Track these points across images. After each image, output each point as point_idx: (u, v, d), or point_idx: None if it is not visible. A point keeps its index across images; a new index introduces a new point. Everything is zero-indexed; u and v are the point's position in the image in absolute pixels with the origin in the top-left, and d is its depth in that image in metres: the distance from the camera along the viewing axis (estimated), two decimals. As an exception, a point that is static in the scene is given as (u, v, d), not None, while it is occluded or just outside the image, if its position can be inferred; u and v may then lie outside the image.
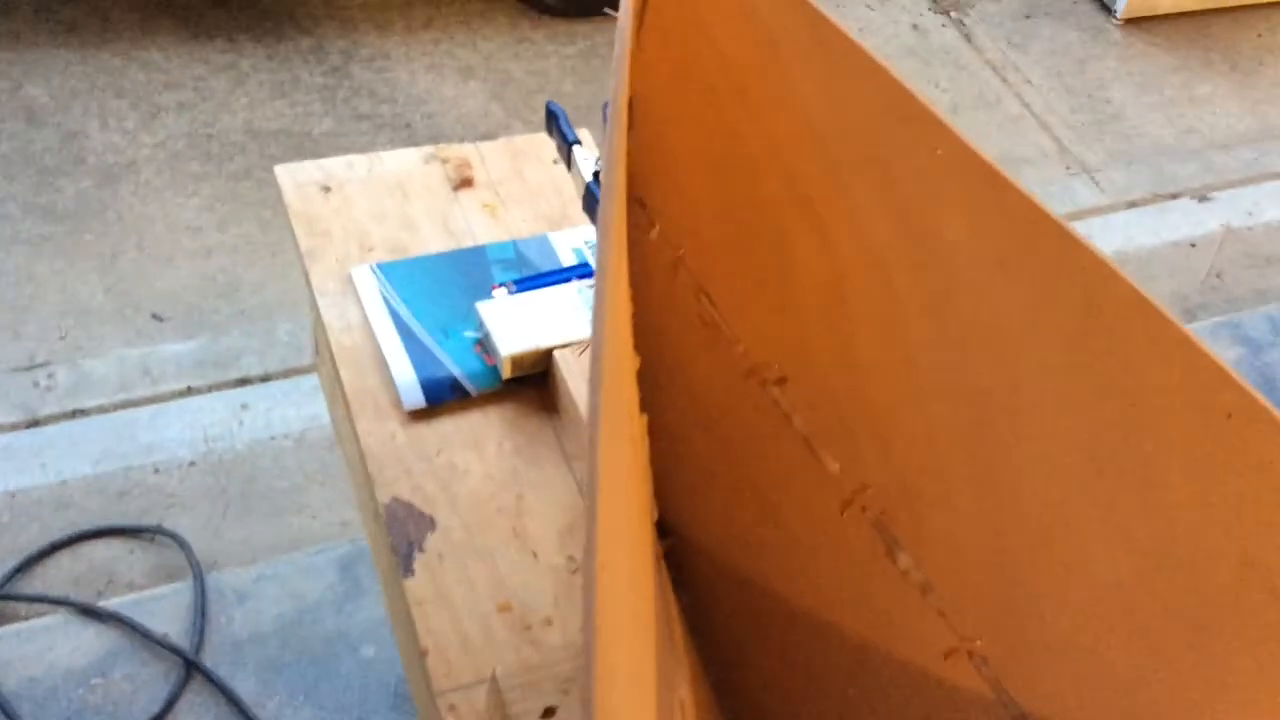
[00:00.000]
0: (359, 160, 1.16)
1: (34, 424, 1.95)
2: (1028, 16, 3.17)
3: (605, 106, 0.66)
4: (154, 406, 2.03)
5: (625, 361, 0.63)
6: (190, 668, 1.66)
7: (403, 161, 1.17)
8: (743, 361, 0.76)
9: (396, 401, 0.99)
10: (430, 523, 0.93)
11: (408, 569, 0.90)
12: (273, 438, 2.02)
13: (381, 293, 1.05)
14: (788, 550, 0.76)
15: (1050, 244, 0.60)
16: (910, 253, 0.65)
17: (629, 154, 0.79)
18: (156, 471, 1.94)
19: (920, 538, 0.68)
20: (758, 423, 0.76)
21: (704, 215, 0.77)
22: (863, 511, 0.71)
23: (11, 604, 1.71)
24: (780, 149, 0.70)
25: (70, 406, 1.99)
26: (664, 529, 0.85)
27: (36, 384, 1.99)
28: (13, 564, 1.74)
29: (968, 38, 3.11)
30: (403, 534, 0.92)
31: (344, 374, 1.00)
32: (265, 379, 2.10)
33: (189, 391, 2.07)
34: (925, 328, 0.66)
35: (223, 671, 1.67)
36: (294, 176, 1.13)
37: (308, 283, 1.07)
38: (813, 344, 0.72)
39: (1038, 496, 0.63)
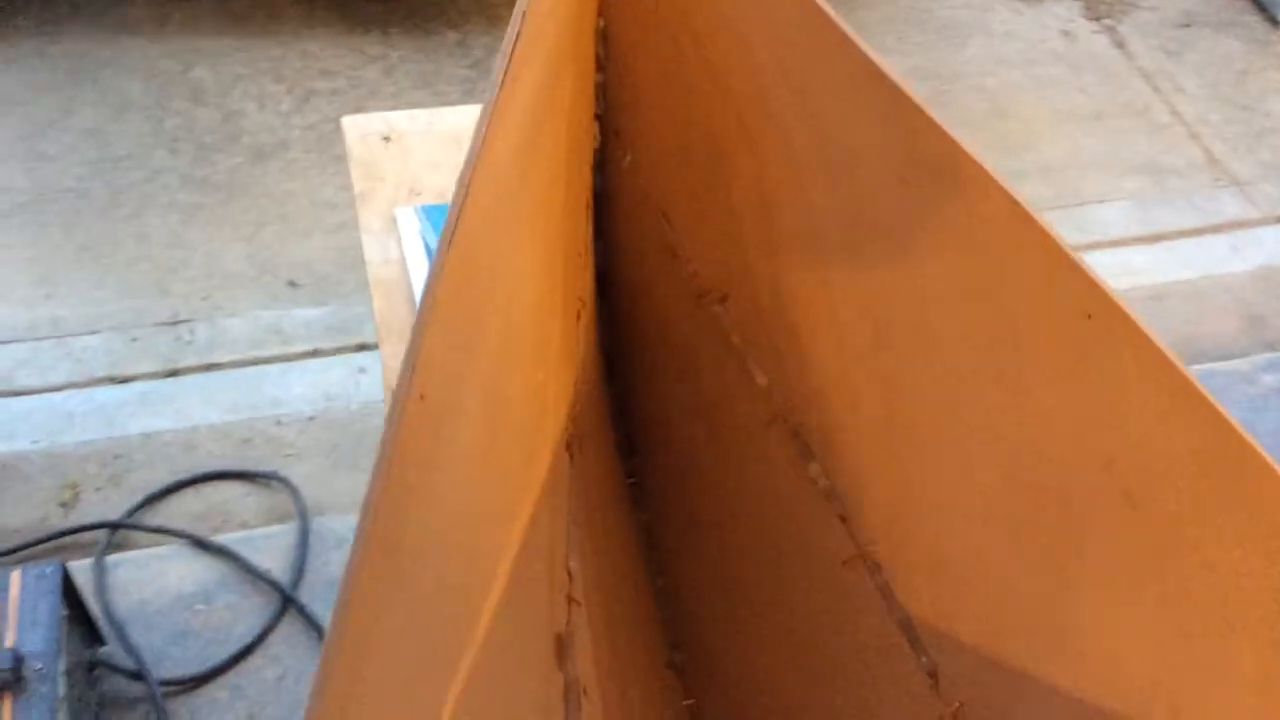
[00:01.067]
0: (421, 114, 1.24)
1: (173, 374, 2.12)
2: (1186, 25, 3.06)
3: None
4: (282, 365, 2.18)
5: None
6: (287, 602, 1.78)
7: (463, 117, 1.25)
8: (693, 283, 0.80)
9: (420, 330, 1.06)
10: (434, 439, 0.99)
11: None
12: (384, 400, 2.13)
13: (421, 233, 1.13)
14: (724, 464, 0.79)
15: (929, 144, 0.61)
16: (824, 167, 0.68)
17: (606, 86, 0.84)
18: (278, 423, 2.08)
19: (829, 446, 0.70)
20: (704, 342, 0.79)
21: (664, 142, 0.81)
22: (785, 423, 0.73)
23: (134, 534, 1.87)
24: (721, 75, 0.74)
25: (207, 360, 2.15)
26: (631, 449, 0.89)
27: (178, 338, 2.16)
28: (140, 498, 1.90)
29: (1120, 45, 3.01)
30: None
31: (376, 303, 1.08)
32: (384, 346, 2.22)
33: (315, 353, 2.21)
34: (836, 235, 0.68)
35: (316, 608, 1.78)
36: (359, 127, 1.22)
37: (357, 221, 1.15)
38: (748, 262, 0.75)
39: (927, 402, 0.65)
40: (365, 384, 2.16)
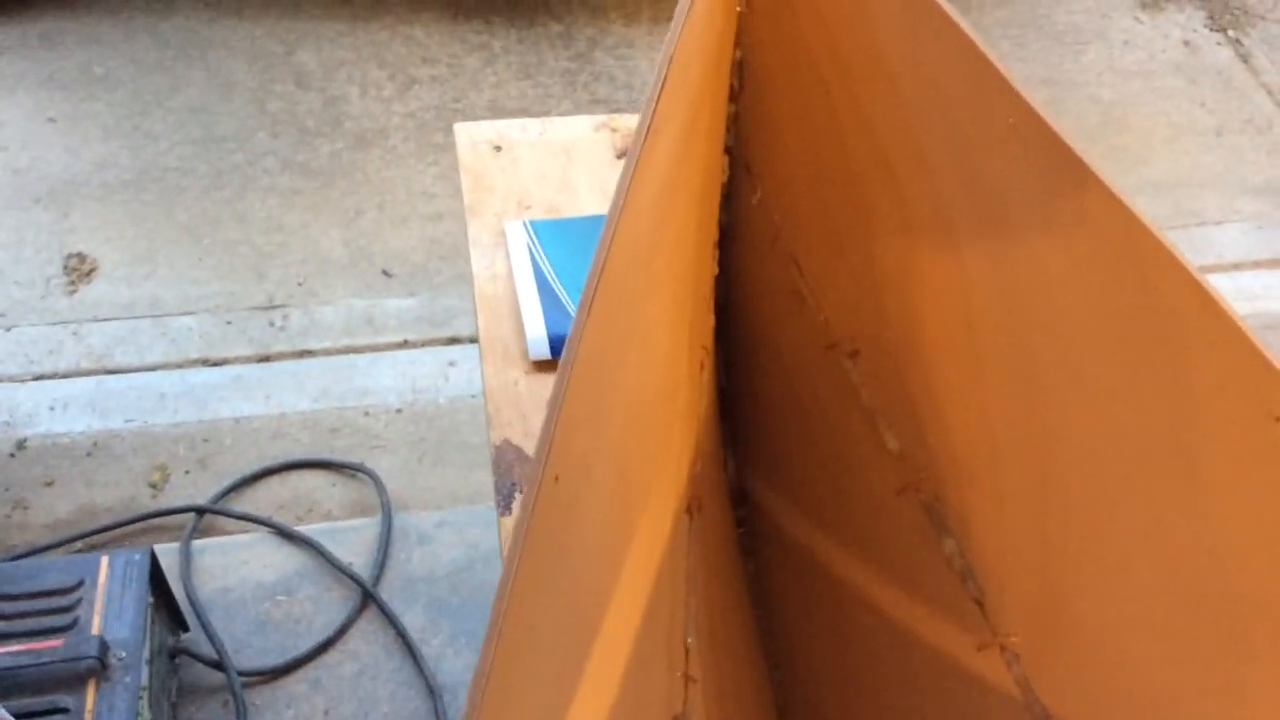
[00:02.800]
0: (533, 124, 1.21)
1: (265, 359, 2.13)
2: (1319, 37, 2.92)
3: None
4: (372, 354, 2.18)
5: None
6: (367, 597, 1.77)
7: (574, 128, 1.22)
8: (824, 333, 0.75)
9: (524, 351, 1.03)
10: (535, 467, 0.96)
11: (506, 508, 0.94)
12: (473, 395, 2.12)
13: (529, 247, 1.10)
14: (847, 525, 0.74)
15: (1112, 222, 0.57)
16: (978, 224, 0.63)
17: (739, 119, 0.79)
18: (366, 414, 2.08)
19: (967, 524, 0.66)
20: (831, 395, 0.75)
21: (798, 183, 0.77)
22: (916, 494, 0.69)
23: (220, 519, 1.87)
24: (867, 116, 0.69)
25: (299, 347, 2.16)
26: (741, 496, 0.85)
27: (272, 323, 2.17)
28: (227, 483, 1.91)
29: (1244, 58, 2.88)
30: (507, 475, 0.96)
31: (481, 319, 1.05)
32: (474, 340, 2.20)
33: (405, 344, 2.20)
34: (989, 302, 0.63)
35: (396, 605, 1.78)
36: (470, 134, 1.20)
37: (466, 233, 1.12)
38: (885, 317, 0.71)
39: (1084, 488, 0.60)
40: (454, 377, 2.15)
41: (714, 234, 0.78)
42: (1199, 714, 0.56)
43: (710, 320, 0.76)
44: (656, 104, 0.57)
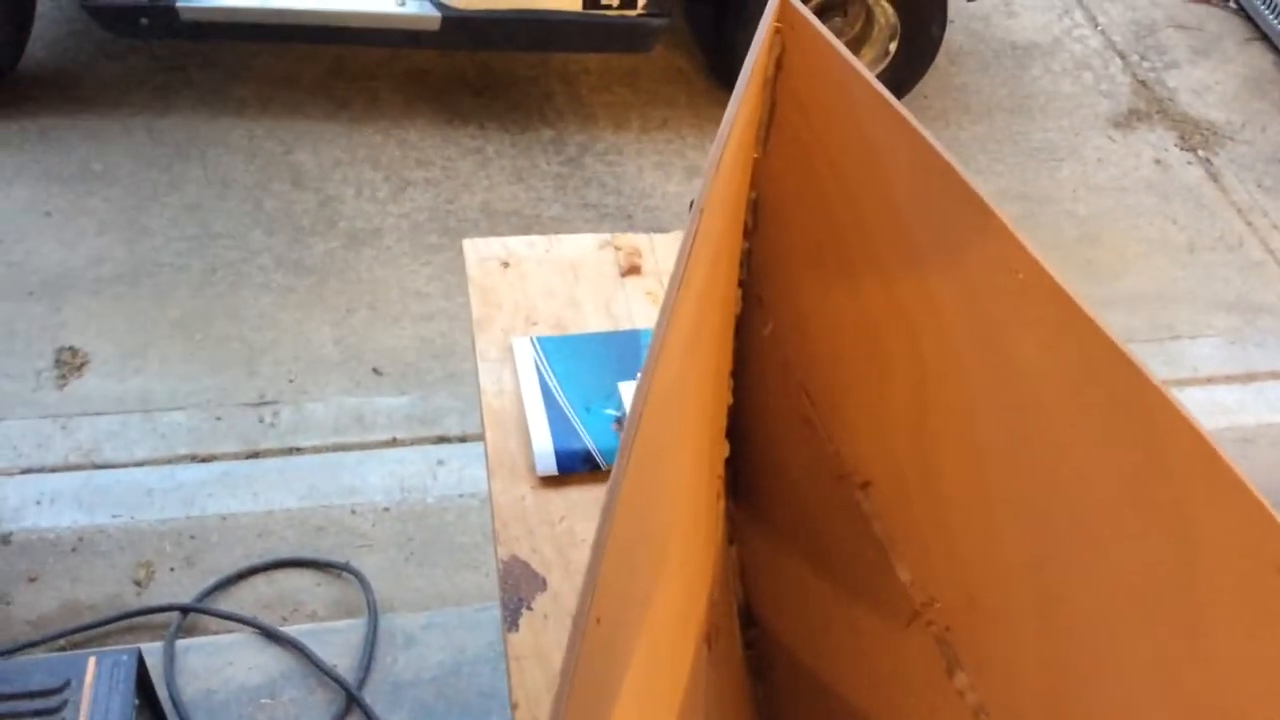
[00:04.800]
0: (539, 241, 1.25)
1: (253, 455, 2.13)
2: (1283, 160, 3.03)
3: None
4: (361, 452, 2.19)
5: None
6: (351, 701, 1.76)
7: (579, 245, 1.25)
8: (834, 463, 0.78)
9: (532, 466, 1.05)
10: (542, 584, 0.98)
11: (513, 624, 0.95)
12: (461, 495, 2.13)
13: (536, 363, 1.13)
14: (857, 655, 0.76)
15: (1119, 376, 0.60)
16: (989, 368, 0.66)
17: (752, 254, 0.83)
18: (353, 513, 2.08)
19: (979, 659, 0.68)
20: (842, 525, 0.77)
21: (810, 316, 0.80)
22: (928, 626, 0.71)
23: (205, 618, 1.86)
24: (880, 258, 0.73)
25: (288, 444, 2.16)
26: (750, 618, 0.86)
27: (262, 420, 2.18)
28: (212, 581, 1.90)
29: (1214, 177, 2.98)
30: (514, 590, 0.97)
31: (489, 434, 1.07)
32: (463, 439, 2.22)
33: (394, 442, 2.22)
34: (1000, 443, 0.66)
35: (380, 709, 1.76)
36: (478, 251, 1.23)
37: (473, 348, 1.15)
38: (896, 451, 0.73)
39: (1092, 631, 0.62)
40: (443, 476, 2.16)
41: (729, 365, 0.81)
42: None
43: (725, 449, 0.79)
44: (690, 254, 0.60)
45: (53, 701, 1.42)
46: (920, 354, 0.71)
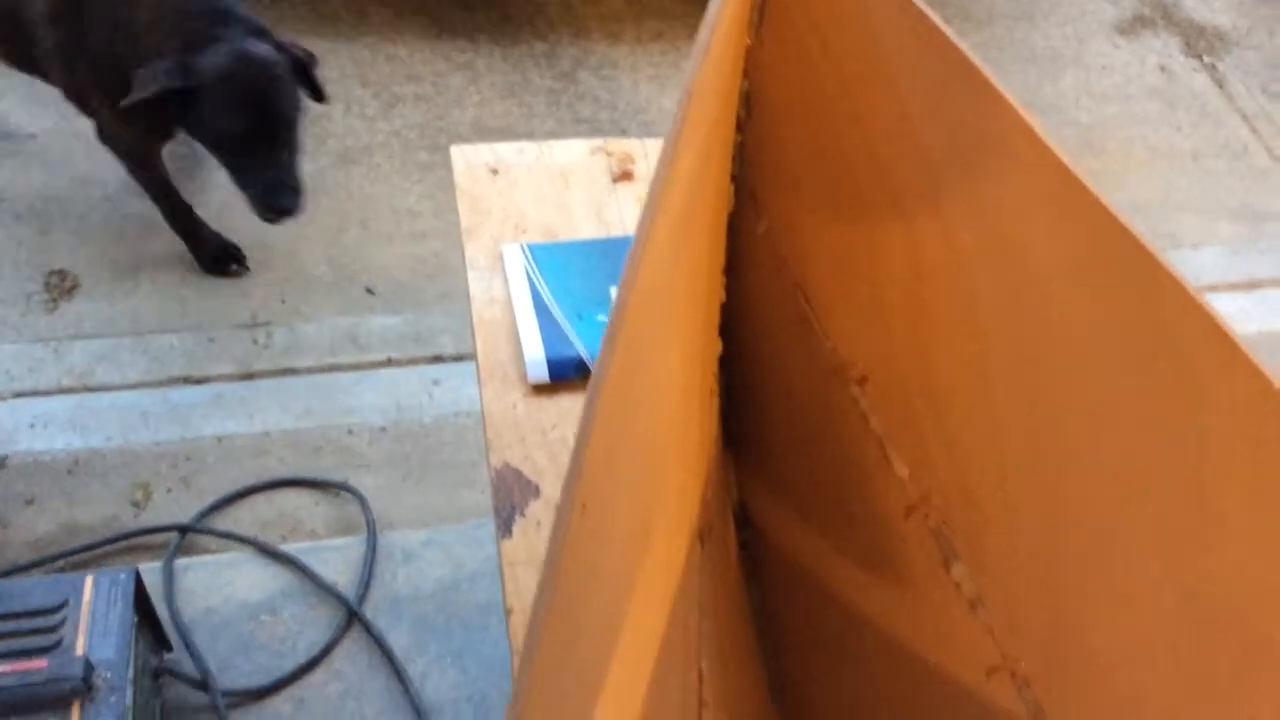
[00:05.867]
0: (529, 147, 1.22)
1: (248, 377, 2.12)
2: (1291, 64, 2.97)
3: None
4: (356, 373, 2.17)
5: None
6: (352, 617, 1.76)
7: (570, 152, 1.22)
8: (830, 359, 0.76)
9: (523, 374, 1.04)
10: (535, 491, 0.96)
11: (506, 531, 0.94)
12: (457, 414, 2.12)
13: (526, 271, 1.10)
14: (853, 553, 0.75)
15: (1127, 258, 0.58)
16: (990, 254, 0.64)
17: (745, 147, 0.80)
18: (350, 433, 2.07)
19: (977, 550, 0.67)
20: (838, 422, 0.76)
21: (805, 211, 0.77)
22: (925, 519, 0.69)
23: (203, 538, 1.86)
24: (876, 146, 0.70)
25: (282, 365, 2.15)
26: (745, 521, 0.85)
27: (255, 341, 2.16)
28: (210, 502, 1.90)
29: (1219, 84, 2.93)
30: (507, 498, 0.96)
31: (479, 343, 1.06)
32: (458, 358, 2.21)
33: (389, 362, 2.20)
34: (1001, 331, 0.64)
35: (381, 624, 1.77)
36: (466, 158, 1.20)
37: (463, 257, 1.13)
38: (893, 343, 0.71)
39: (1095, 517, 0.61)
40: (439, 396, 2.14)
41: (722, 261, 0.79)
42: (1209, 741, 0.57)
43: (718, 347, 0.77)
44: (677, 140, 0.58)
45: (51, 620, 1.42)
46: (918, 242, 0.69)
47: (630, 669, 0.54)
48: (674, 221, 0.60)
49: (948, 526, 0.68)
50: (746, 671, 0.74)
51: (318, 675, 1.71)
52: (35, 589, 1.46)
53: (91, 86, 1.92)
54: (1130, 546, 0.59)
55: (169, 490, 1.93)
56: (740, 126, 0.79)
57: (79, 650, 1.40)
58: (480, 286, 1.10)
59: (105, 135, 2.03)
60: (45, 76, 2.00)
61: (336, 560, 1.85)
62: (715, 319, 0.76)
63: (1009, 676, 0.64)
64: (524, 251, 1.12)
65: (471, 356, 2.21)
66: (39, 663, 1.38)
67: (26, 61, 1.99)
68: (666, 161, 0.56)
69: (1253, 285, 2.52)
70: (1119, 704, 0.59)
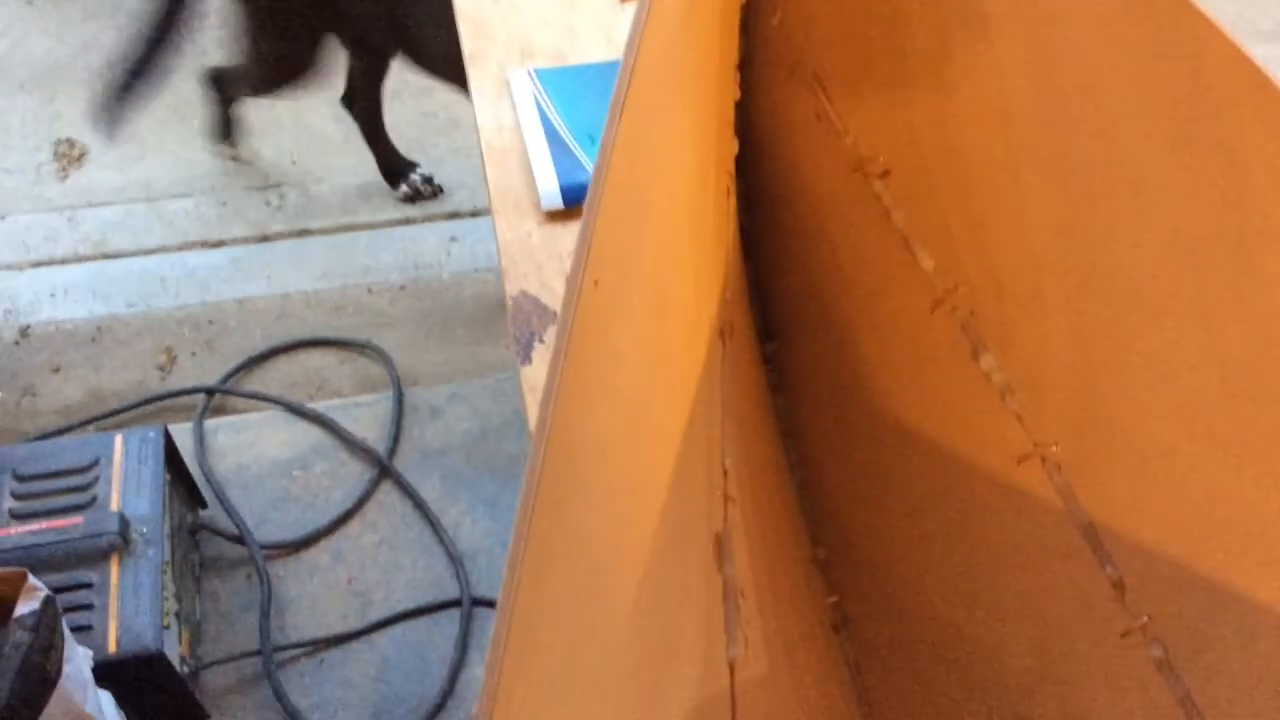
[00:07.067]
0: (532, -31, 1.17)
1: (264, 239, 2.10)
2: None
3: None
4: (372, 232, 2.15)
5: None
6: (383, 470, 1.77)
7: (575, -28, 1.17)
8: (851, 154, 0.73)
9: (536, 202, 1.01)
10: (553, 317, 0.95)
11: (526, 358, 0.93)
12: (476, 270, 2.10)
13: (535, 97, 1.07)
14: (880, 353, 0.73)
15: (1160, 8, 0.54)
16: (1017, 20, 0.61)
17: (756, -64, 0.76)
18: (370, 292, 2.06)
19: (1006, 338, 0.65)
20: (860, 220, 0.73)
21: (823, 3, 0.74)
22: (952, 311, 0.67)
23: (231, 399, 1.87)
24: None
25: (298, 226, 2.13)
26: (769, 332, 0.84)
27: (268, 203, 2.14)
28: (235, 364, 1.90)
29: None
30: (525, 325, 0.95)
31: (490, 173, 1.03)
32: (474, 214, 2.18)
33: (405, 221, 2.17)
34: (1029, 100, 0.61)
35: (411, 477, 1.78)
36: (467, -18, 1.15)
37: (468, 84, 1.09)
38: (918, 130, 0.68)
39: (1132, 292, 0.58)
40: (456, 253, 2.12)
41: (735, 57, 0.75)
42: (1245, 508, 0.56)
43: (734, 146, 0.74)
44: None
45: (84, 479, 1.44)
46: (944, 17, 0.65)
47: (654, 457, 0.53)
48: (680, 6, 0.57)
49: (976, 317, 0.66)
50: (771, 473, 0.73)
51: (353, 527, 1.73)
52: (66, 449, 1.47)
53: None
54: (1169, 320, 0.56)
55: (193, 354, 1.93)
56: (751, -88, 0.75)
57: (113, 506, 1.42)
58: (488, 115, 1.07)
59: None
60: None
61: (364, 417, 1.85)
62: (729, 115, 0.73)
63: (1039, 463, 0.63)
64: (532, 77, 1.08)
65: (488, 212, 2.18)
66: (75, 519, 1.40)
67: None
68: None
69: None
70: (1151, 476, 0.58)
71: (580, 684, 0.42)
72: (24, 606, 1.00)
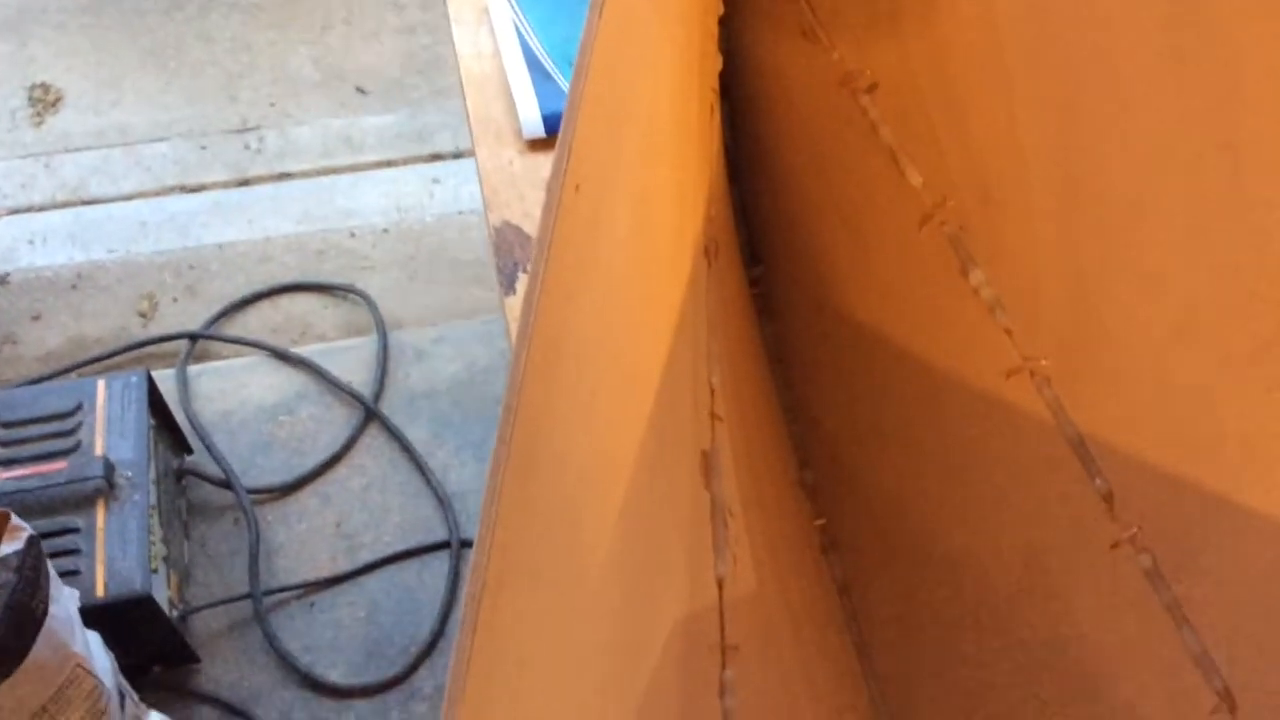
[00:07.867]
0: (509, -106, 1.14)
1: (244, 183, 2.07)
2: None
3: None
4: (353, 175, 2.12)
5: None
6: (369, 414, 1.77)
7: (554, -103, 1.14)
8: (836, 69, 0.72)
9: (518, 130, 0.99)
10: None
11: (509, 288, 0.92)
12: (460, 212, 2.08)
13: (514, 23, 1.05)
14: (867, 271, 0.72)
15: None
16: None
17: None
18: (352, 235, 2.04)
19: (995, 253, 0.64)
20: (846, 136, 0.72)
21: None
22: (941, 227, 0.67)
23: (214, 344, 1.85)
24: None
25: (277, 169, 2.10)
26: (755, 257, 0.83)
27: (247, 146, 2.11)
28: (217, 309, 1.89)
29: None
30: (509, 255, 0.93)
31: (470, 101, 1.01)
32: (457, 155, 2.16)
33: (386, 163, 2.15)
34: (1019, 10, 0.60)
35: (398, 420, 1.77)
36: (443, -92, 1.13)
37: (446, 12, 1.07)
38: (904, 43, 0.67)
39: (1122, 195, 0.57)
40: (439, 195, 2.10)
41: (717, -28, 0.74)
42: (1238, 416, 0.55)
43: (718, 63, 0.72)
44: None
45: (67, 424, 1.43)
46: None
47: (640, 371, 0.52)
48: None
49: (965, 231, 0.65)
50: (758, 395, 0.73)
51: (340, 471, 1.73)
52: (48, 395, 1.46)
53: None
54: (1159, 223, 0.56)
55: (175, 300, 1.92)
56: None
57: (98, 451, 1.41)
58: (466, 42, 1.05)
59: None
60: None
61: (349, 361, 1.84)
62: (713, 29, 0.71)
63: (1028, 377, 0.63)
64: (510, 3, 1.06)
65: (470, 153, 2.16)
66: (59, 464, 1.39)
67: None
68: None
69: None
70: (1142, 387, 0.58)
71: (569, 592, 0.42)
72: (8, 547, 1.00)
